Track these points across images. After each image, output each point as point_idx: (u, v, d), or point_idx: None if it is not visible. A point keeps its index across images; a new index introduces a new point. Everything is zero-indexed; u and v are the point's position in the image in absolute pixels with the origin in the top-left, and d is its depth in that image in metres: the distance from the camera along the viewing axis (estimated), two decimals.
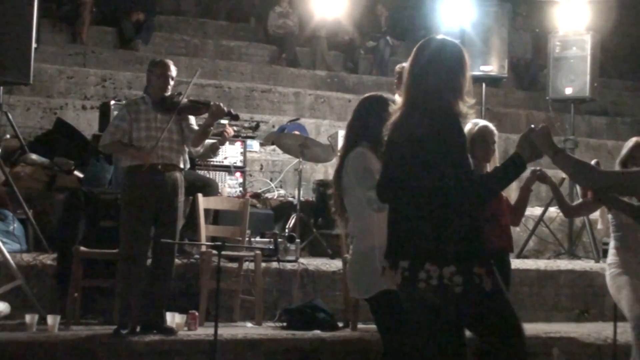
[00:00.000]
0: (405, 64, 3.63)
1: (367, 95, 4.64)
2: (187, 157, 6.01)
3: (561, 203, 5.43)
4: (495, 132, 5.27)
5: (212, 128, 5.97)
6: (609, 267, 5.35)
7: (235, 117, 6.20)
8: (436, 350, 3.54)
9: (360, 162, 4.29)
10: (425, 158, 3.43)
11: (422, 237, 3.46)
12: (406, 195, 3.51)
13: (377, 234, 4.13)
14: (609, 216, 5.37)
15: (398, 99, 6.27)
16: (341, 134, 8.38)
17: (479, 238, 3.51)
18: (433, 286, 3.40)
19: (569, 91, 9.16)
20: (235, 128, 7.78)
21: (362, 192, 4.21)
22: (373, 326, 4.71)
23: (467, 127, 5.22)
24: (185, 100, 5.91)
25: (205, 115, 5.95)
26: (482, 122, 5.30)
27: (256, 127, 7.03)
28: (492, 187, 3.58)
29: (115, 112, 7.22)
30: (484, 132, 5.19)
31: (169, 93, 5.92)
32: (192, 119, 6.00)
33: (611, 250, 5.36)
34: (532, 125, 3.57)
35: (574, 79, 9.13)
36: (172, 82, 5.95)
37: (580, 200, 5.62)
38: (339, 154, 4.54)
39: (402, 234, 3.53)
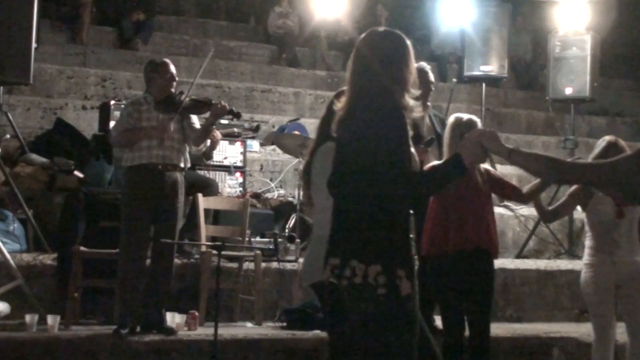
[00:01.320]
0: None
1: (340, 90, 4.59)
2: (187, 156, 6.01)
3: (539, 207, 5.42)
4: (479, 125, 5.13)
5: (214, 126, 5.98)
6: (584, 266, 5.37)
7: (237, 115, 6.18)
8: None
9: (329, 157, 4.17)
10: (364, 154, 3.34)
11: (353, 234, 3.37)
12: (344, 192, 3.44)
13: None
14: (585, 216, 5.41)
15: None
16: None
17: (408, 241, 3.42)
18: (356, 284, 3.32)
19: (569, 91, 9.16)
20: (235, 129, 7.79)
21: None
22: None
23: (449, 121, 5.19)
24: (187, 99, 5.91)
25: (207, 113, 5.97)
26: (467, 116, 5.21)
27: (256, 129, 7.02)
28: (428, 186, 3.50)
29: (116, 112, 7.23)
30: (469, 126, 5.05)
31: (172, 92, 5.93)
32: (194, 118, 6.00)
33: (586, 250, 5.38)
34: (481, 128, 3.49)
35: (574, 79, 9.13)
36: (175, 82, 5.96)
37: (557, 203, 5.62)
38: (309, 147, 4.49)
39: (337, 232, 3.45)
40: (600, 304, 5.21)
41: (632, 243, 5.24)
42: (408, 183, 3.36)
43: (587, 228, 5.41)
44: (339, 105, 3.54)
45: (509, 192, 5.24)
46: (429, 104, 6.43)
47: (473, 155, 3.30)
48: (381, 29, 3.60)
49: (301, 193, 4.61)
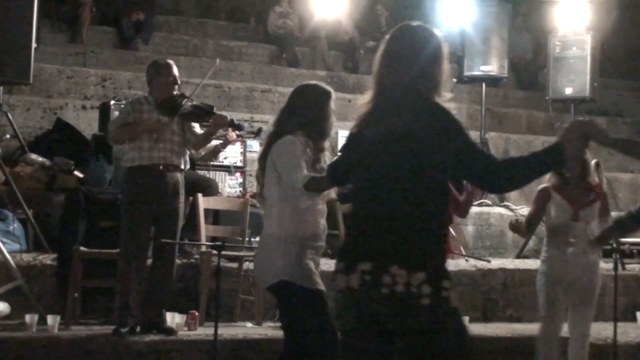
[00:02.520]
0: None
1: (305, 83, 4.57)
2: (187, 157, 6.01)
3: (520, 232, 5.61)
4: None
5: (214, 135, 5.96)
6: (540, 262, 5.48)
7: (238, 127, 6.12)
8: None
9: (289, 149, 4.16)
10: (420, 153, 3.08)
11: (391, 236, 3.07)
12: (384, 190, 3.12)
13: (286, 224, 4.12)
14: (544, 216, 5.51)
15: None
16: (341, 134, 8.39)
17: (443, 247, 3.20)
18: (398, 293, 3.02)
19: (569, 91, 9.16)
20: (237, 132, 7.76)
21: (288, 176, 4.10)
22: None
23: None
24: (189, 104, 5.88)
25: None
26: None
27: (258, 133, 6.99)
28: (517, 177, 3.14)
29: (116, 113, 7.21)
30: None
31: (174, 93, 5.92)
32: (194, 123, 6.00)
33: (543, 248, 5.50)
34: (581, 119, 3.29)
35: (574, 79, 9.14)
36: (178, 84, 5.96)
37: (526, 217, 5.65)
38: (264, 139, 4.41)
39: (365, 233, 3.13)
40: (551, 300, 5.29)
41: (587, 244, 5.32)
42: (497, 172, 3.11)
43: (546, 228, 5.53)
44: (363, 100, 3.30)
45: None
46: None
47: (576, 146, 3.08)
48: (416, 23, 3.32)
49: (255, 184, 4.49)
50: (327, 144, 4.32)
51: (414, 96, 3.17)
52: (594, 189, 5.41)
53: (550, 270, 5.33)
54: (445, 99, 3.20)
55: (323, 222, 4.24)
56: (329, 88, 4.39)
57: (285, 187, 4.14)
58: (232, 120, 5.97)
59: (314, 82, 4.53)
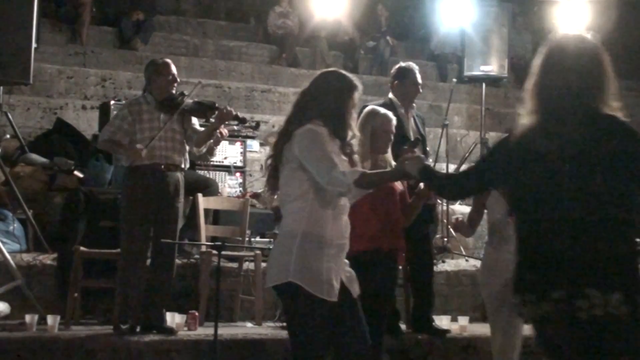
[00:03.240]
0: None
1: (327, 70, 4.23)
2: (187, 156, 6.01)
3: (463, 229, 5.47)
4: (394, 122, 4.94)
5: (218, 130, 5.93)
6: (481, 264, 5.39)
7: (242, 121, 6.14)
8: None
9: (315, 141, 3.83)
10: (609, 169, 3.01)
11: (586, 258, 2.97)
12: (568, 213, 3.02)
13: (304, 221, 3.81)
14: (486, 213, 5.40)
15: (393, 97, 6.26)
16: None
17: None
18: (598, 317, 2.93)
19: None
20: (235, 127, 7.77)
21: (321, 173, 3.77)
22: None
23: (363, 116, 4.84)
24: (189, 101, 5.90)
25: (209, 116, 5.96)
26: (383, 111, 4.97)
27: (256, 127, 7.01)
28: None
29: (116, 112, 7.21)
30: (386, 122, 4.89)
31: (173, 92, 5.93)
32: (194, 119, 6.00)
33: (485, 247, 5.39)
34: None
35: None
36: (177, 83, 5.96)
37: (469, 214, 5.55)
38: (280, 127, 4.06)
39: (553, 258, 3.02)
40: (493, 300, 5.12)
41: None
42: None
43: (487, 226, 5.41)
44: (523, 110, 3.23)
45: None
46: (414, 104, 6.42)
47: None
48: (574, 33, 3.30)
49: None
50: (351, 135, 3.96)
51: (585, 108, 3.12)
52: None
53: (491, 272, 5.15)
54: (615, 108, 3.19)
55: (345, 218, 3.93)
56: (356, 81, 4.04)
57: (310, 181, 3.82)
58: (236, 115, 5.97)
59: (341, 70, 4.18)
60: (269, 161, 4.00)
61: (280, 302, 4.24)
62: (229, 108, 5.92)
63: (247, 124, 6.25)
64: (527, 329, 6.80)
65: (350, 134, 3.96)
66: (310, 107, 3.95)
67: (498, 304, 5.07)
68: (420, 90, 6.42)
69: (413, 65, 6.39)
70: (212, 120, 5.89)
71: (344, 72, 4.13)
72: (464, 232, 5.60)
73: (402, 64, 6.45)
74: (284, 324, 6.32)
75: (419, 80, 6.34)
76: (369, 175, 3.87)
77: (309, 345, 3.83)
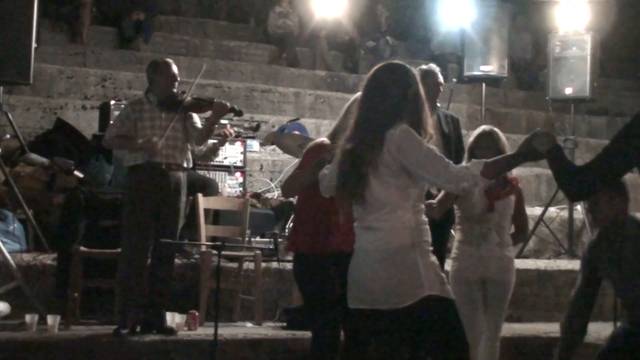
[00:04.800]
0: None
1: (386, 63, 3.80)
2: (190, 156, 6.01)
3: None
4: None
5: (216, 126, 5.97)
6: (452, 260, 5.19)
7: (239, 113, 6.16)
8: None
9: (418, 140, 3.51)
10: None
11: None
12: None
13: (413, 229, 3.52)
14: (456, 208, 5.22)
15: None
16: None
17: None
18: None
19: (569, 91, 9.16)
20: (235, 128, 7.79)
21: (437, 171, 3.48)
22: None
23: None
24: (189, 98, 5.92)
25: (209, 113, 5.97)
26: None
27: (257, 128, 7.03)
28: None
29: (116, 112, 7.21)
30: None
31: (174, 91, 5.94)
32: (195, 117, 6.00)
33: (455, 244, 5.23)
34: None
35: (574, 79, 9.13)
36: (177, 82, 5.98)
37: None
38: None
39: None
40: (466, 298, 4.96)
41: (501, 237, 5.09)
42: None
43: (457, 221, 5.22)
44: None
45: None
46: (438, 104, 6.43)
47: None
48: None
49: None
50: (430, 131, 3.65)
51: None
52: (510, 181, 5.24)
53: (464, 270, 5.06)
54: None
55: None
56: (414, 70, 3.73)
57: (413, 185, 3.54)
58: (233, 107, 5.97)
59: (399, 61, 3.82)
60: (352, 172, 3.55)
61: (389, 323, 3.62)
62: (224, 102, 5.94)
63: (248, 125, 6.26)
64: (526, 329, 6.82)
65: (427, 134, 3.65)
66: (391, 107, 3.60)
67: (462, 300, 4.95)
68: (442, 90, 6.40)
69: (434, 67, 6.39)
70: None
71: (406, 65, 3.78)
72: (435, 214, 5.08)
73: (424, 66, 6.38)
74: (284, 323, 6.37)
75: (441, 80, 6.34)
76: (492, 162, 3.64)
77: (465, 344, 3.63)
